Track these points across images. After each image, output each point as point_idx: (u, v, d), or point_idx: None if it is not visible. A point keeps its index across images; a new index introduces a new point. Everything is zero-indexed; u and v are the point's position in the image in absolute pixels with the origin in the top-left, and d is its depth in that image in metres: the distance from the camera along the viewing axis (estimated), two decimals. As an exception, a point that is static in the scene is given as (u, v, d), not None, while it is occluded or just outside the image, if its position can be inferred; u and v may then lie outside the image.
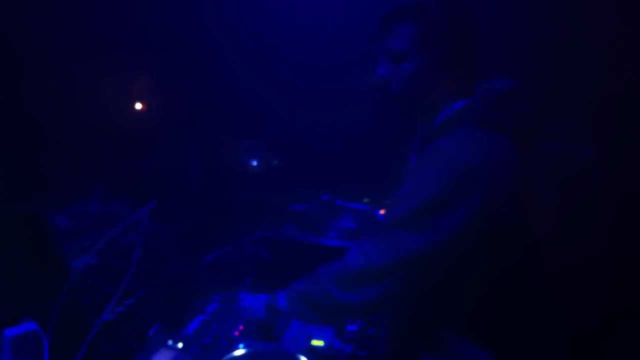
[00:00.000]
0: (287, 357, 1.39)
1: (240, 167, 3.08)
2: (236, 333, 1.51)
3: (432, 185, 1.13)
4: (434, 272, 1.16)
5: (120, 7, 2.66)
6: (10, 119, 2.32)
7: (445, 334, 1.22)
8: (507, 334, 1.23)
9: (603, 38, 2.11)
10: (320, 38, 2.67)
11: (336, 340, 1.51)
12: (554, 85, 2.16)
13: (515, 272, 1.22)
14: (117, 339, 1.40)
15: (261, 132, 3.07)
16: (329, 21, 2.64)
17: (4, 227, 1.18)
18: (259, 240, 2.03)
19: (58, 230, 1.70)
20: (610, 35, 2.11)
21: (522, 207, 1.18)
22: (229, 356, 1.36)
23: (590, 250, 1.98)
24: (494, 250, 1.16)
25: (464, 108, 1.23)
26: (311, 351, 1.42)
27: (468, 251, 1.13)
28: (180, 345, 1.40)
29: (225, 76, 2.94)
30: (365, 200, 2.31)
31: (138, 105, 2.95)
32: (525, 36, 2.22)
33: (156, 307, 1.59)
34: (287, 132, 3.02)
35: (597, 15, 2.12)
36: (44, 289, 1.17)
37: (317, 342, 1.49)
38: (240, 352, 1.37)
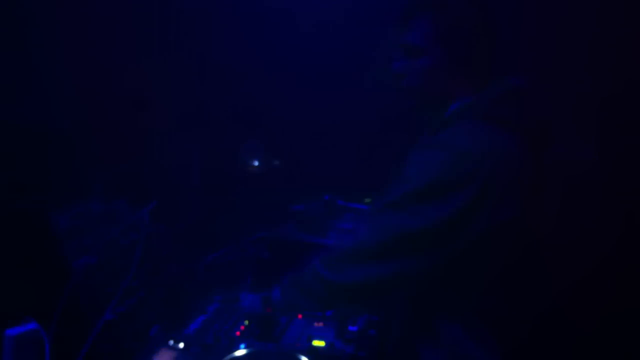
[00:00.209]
0: (288, 357, 1.39)
1: (240, 167, 3.08)
2: (237, 333, 1.51)
3: (429, 171, 1.12)
4: (424, 262, 1.14)
5: (121, 7, 2.66)
6: (10, 119, 2.32)
7: (445, 330, 1.21)
8: (507, 331, 1.22)
9: (603, 38, 2.11)
10: (321, 38, 2.67)
11: (337, 340, 1.51)
12: (554, 86, 2.16)
13: (514, 271, 1.21)
14: (117, 339, 1.40)
15: (262, 132, 3.06)
16: (329, 21, 2.64)
17: (4, 226, 1.18)
18: (260, 240, 2.03)
19: (58, 230, 1.70)
20: (610, 35, 2.11)
21: (523, 207, 1.17)
22: (230, 356, 1.36)
23: (590, 249, 1.98)
24: (491, 246, 1.15)
25: (470, 102, 1.23)
26: (312, 351, 1.42)
27: (461, 244, 1.12)
28: (181, 345, 1.41)
29: (226, 76, 2.94)
30: (367, 200, 2.30)
31: (138, 105, 2.95)
32: (525, 36, 2.22)
33: (156, 307, 1.59)
34: (288, 132, 3.02)
35: (598, 15, 2.12)
36: (45, 289, 1.17)
37: (318, 343, 1.49)
38: (241, 352, 1.37)
